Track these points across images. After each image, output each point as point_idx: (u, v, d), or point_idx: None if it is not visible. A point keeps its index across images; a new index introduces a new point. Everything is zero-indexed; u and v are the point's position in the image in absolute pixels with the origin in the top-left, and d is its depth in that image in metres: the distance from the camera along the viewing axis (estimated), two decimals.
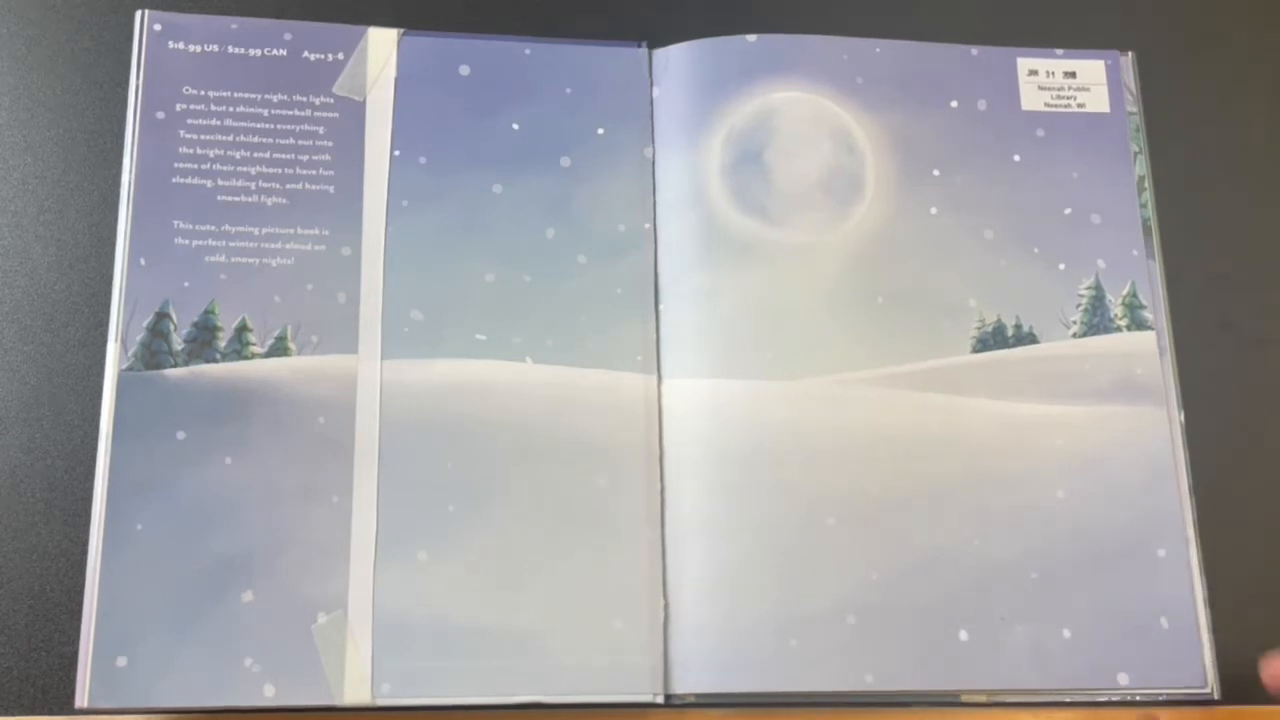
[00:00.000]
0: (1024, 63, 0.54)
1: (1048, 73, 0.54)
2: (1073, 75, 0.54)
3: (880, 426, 0.48)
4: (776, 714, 0.46)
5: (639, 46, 0.53)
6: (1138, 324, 0.51)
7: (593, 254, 0.50)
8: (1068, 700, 0.46)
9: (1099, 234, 0.52)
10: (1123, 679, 0.45)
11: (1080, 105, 0.53)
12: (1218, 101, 0.56)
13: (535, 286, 0.49)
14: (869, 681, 0.45)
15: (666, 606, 0.46)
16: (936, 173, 0.52)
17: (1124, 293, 0.51)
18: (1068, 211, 0.52)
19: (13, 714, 0.44)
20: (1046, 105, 0.53)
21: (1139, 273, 0.51)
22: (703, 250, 0.50)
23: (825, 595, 0.46)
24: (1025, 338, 0.50)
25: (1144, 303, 0.51)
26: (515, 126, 0.51)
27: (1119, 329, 0.50)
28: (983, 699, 0.45)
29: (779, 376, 0.48)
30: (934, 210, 0.51)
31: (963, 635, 0.46)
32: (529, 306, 0.49)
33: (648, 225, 0.51)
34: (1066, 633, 0.46)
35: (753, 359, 0.49)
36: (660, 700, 0.45)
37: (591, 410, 0.48)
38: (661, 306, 0.49)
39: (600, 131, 0.51)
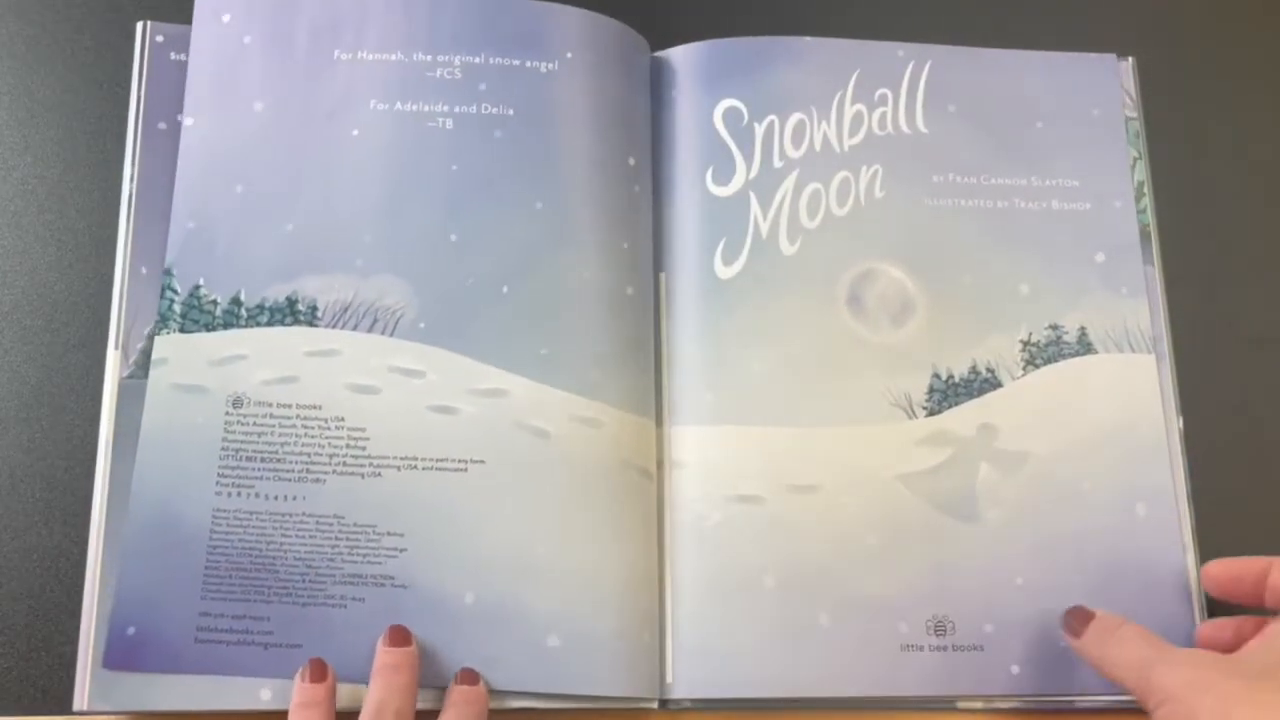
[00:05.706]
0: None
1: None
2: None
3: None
4: (771, 718, 0.46)
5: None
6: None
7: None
8: (1065, 708, 0.46)
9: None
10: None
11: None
12: (1218, 106, 0.56)
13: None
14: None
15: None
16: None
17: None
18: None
19: (12, 714, 0.44)
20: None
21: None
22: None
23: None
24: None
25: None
26: None
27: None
28: (979, 705, 0.45)
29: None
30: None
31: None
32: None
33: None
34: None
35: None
36: (654, 705, 0.45)
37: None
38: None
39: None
